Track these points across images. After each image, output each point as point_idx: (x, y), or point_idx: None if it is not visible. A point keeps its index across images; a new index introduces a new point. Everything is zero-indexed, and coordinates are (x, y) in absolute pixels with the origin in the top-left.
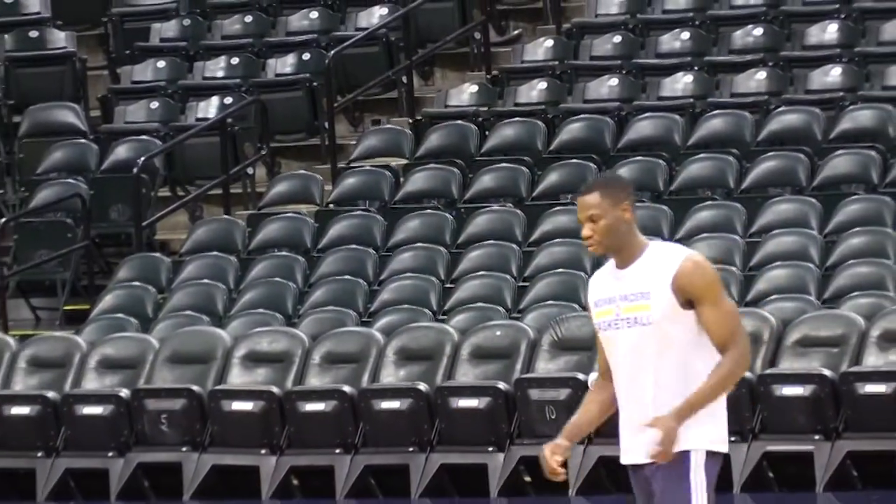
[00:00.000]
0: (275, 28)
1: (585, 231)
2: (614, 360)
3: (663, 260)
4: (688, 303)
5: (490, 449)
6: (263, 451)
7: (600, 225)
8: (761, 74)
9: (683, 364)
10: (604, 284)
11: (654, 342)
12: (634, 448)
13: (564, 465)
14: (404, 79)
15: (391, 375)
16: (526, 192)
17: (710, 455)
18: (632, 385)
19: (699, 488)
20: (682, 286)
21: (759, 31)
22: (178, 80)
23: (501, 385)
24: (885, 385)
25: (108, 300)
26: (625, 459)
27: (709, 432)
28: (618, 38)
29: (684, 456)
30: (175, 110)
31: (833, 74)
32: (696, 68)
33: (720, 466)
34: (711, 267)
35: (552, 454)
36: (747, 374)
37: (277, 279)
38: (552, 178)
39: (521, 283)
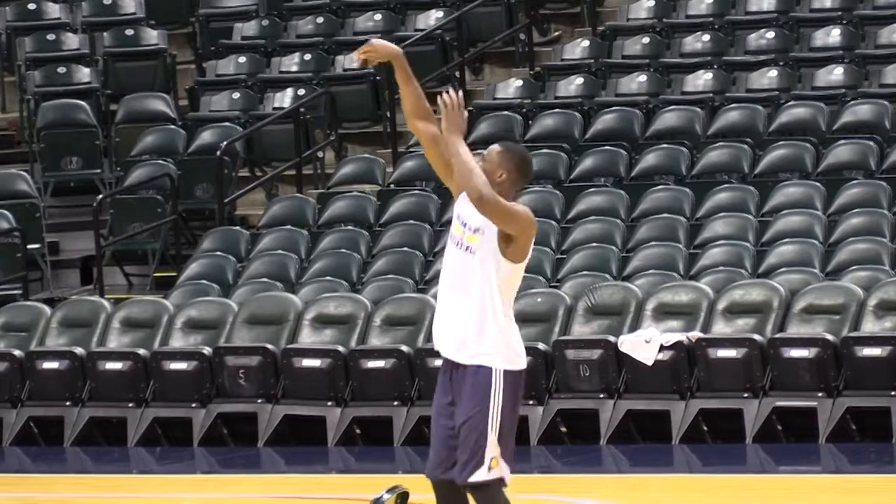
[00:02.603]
0: (343, 28)
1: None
2: (445, 267)
3: None
4: (505, 239)
5: (531, 402)
6: (330, 403)
7: (482, 167)
8: (773, 73)
9: (487, 289)
10: (467, 207)
11: (473, 268)
12: (446, 344)
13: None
14: (457, 74)
15: None
16: (564, 175)
17: (508, 373)
18: (450, 293)
19: (497, 406)
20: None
21: (771, 34)
22: (257, 74)
23: (541, 346)
24: (881, 348)
25: (193, 268)
26: (437, 347)
27: (507, 358)
28: (646, 40)
29: (487, 371)
30: (254, 100)
31: (836, 73)
32: (715, 67)
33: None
34: (530, 217)
35: (381, 44)
36: (758, 338)
37: (344, 251)
38: (587, 162)
39: (559, 256)
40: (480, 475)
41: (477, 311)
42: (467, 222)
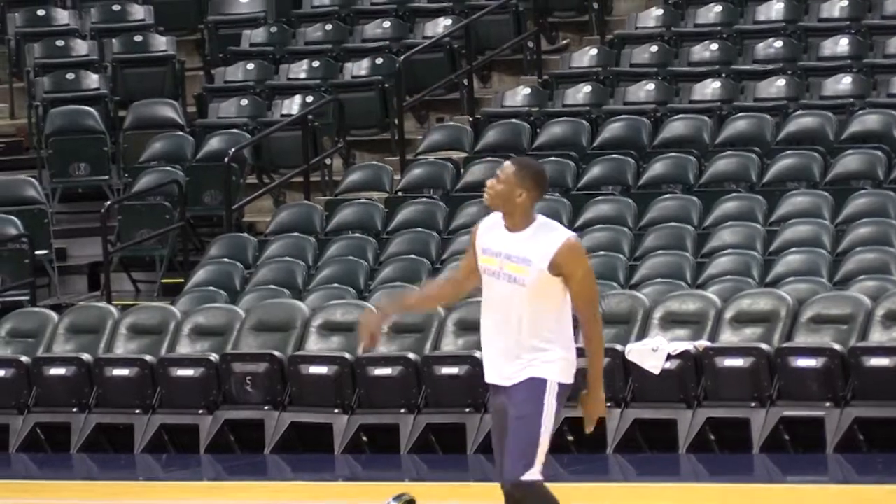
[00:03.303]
0: (352, 35)
1: (489, 183)
2: (490, 299)
3: (547, 237)
4: (559, 274)
5: None
6: (336, 411)
7: (502, 190)
8: (781, 82)
9: (543, 317)
10: (494, 237)
11: (525, 298)
12: (499, 372)
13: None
14: (465, 81)
15: (451, 344)
16: (572, 183)
17: (562, 385)
18: (503, 324)
19: (549, 412)
20: (558, 263)
21: (779, 43)
22: (265, 81)
23: None
24: (889, 359)
25: (200, 274)
26: (489, 379)
27: (561, 369)
28: (654, 48)
29: (541, 382)
30: (262, 107)
31: (844, 83)
32: (723, 75)
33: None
34: (583, 249)
35: (368, 321)
36: (766, 348)
37: (351, 258)
38: (595, 171)
39: None
40: (533, 475)
41: (535, 337)
42: (502, 252)
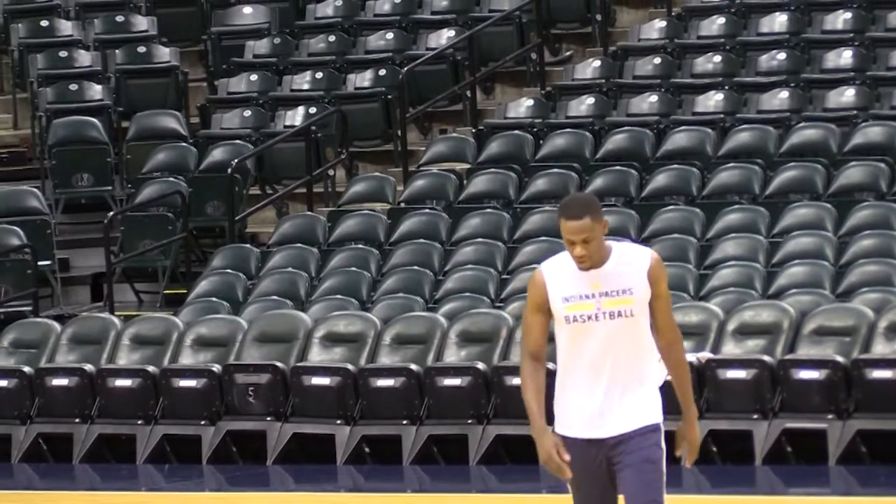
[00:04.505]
0: (355, 47)
1: (579, 251)
2: (585, 347)
3: (634, 259)
4: (650, 290)
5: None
6: (339, 422)
7: (592, 245)
8: (784, 94)
9: (644, 344)
10: (573, 282)
11: (632, 329)
12: (600, 426)
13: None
14: (468, 93)
15: (453, 355)
16: None
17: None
18: (608, 368)
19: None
20: (652, 278)
21: (782, 55)
22: (268, 92)
23: (551, 365)
24: (892, 371)
25: (203, 285)
26: (581, 435)
27: (660, 404)
28: (657, 60)
29: (656, 427)
30: (265, 118)
31: (847, 95)
32: (726, 88)
33: None
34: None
35: (559, 451)
36: (768, 360)
37: (354, 269)
38: (598, 182)
39: None
40: None
41: (644, 374)
42: (594, 292)
